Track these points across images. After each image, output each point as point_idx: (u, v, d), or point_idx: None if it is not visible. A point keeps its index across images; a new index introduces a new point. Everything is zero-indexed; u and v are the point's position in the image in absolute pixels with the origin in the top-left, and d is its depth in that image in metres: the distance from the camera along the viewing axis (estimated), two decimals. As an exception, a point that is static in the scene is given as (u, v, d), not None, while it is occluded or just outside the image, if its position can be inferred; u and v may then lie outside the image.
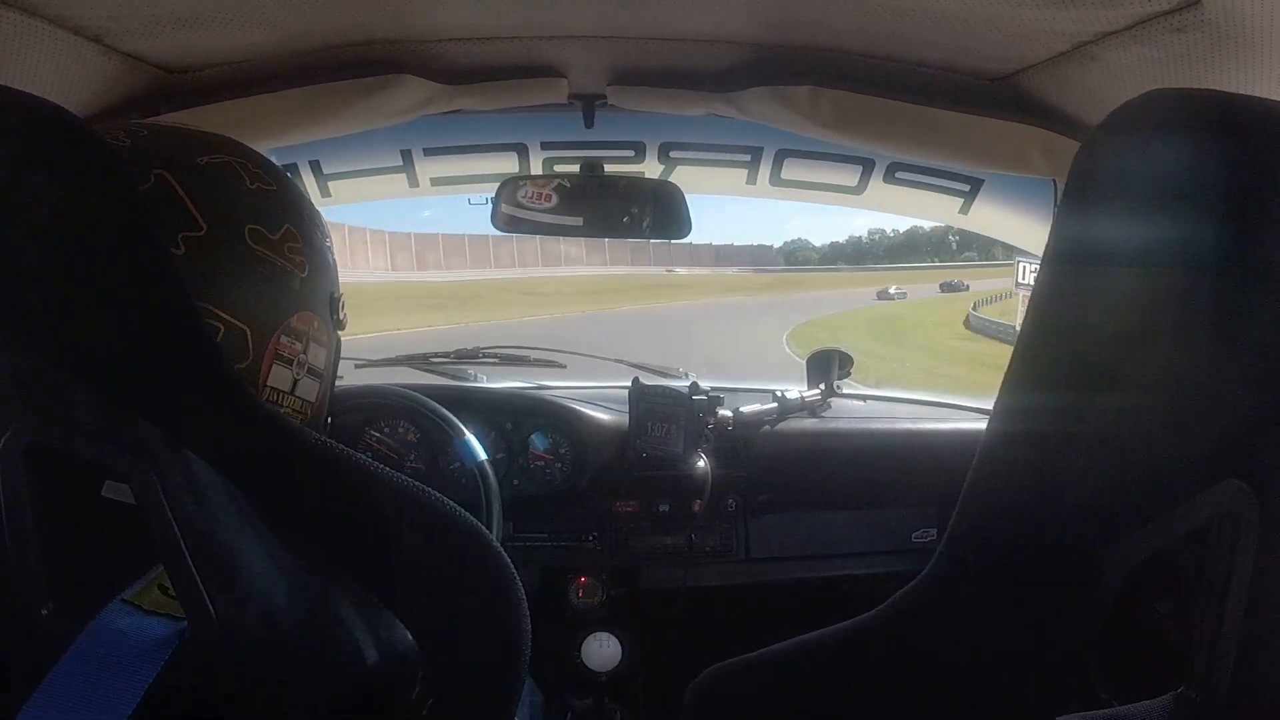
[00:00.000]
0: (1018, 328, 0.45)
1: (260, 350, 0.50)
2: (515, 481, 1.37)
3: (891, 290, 39.23)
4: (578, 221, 1.22)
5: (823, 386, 1.44)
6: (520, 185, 1.22)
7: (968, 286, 40.23)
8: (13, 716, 0.42)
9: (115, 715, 0.42)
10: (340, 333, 0.59)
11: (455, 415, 1.18)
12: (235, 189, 0.50)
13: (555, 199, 1.21)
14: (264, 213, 0.51)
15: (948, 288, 41.86)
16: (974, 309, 26.91)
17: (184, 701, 0.47)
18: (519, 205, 1.22)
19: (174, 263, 0.46)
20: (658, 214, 1.22)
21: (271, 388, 0.52)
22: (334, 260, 0.58)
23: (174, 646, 0.45)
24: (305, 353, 0.54)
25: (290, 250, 0.52)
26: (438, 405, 1.19)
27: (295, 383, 0.53)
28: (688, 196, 1.23)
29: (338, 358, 0.59)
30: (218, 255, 0.48)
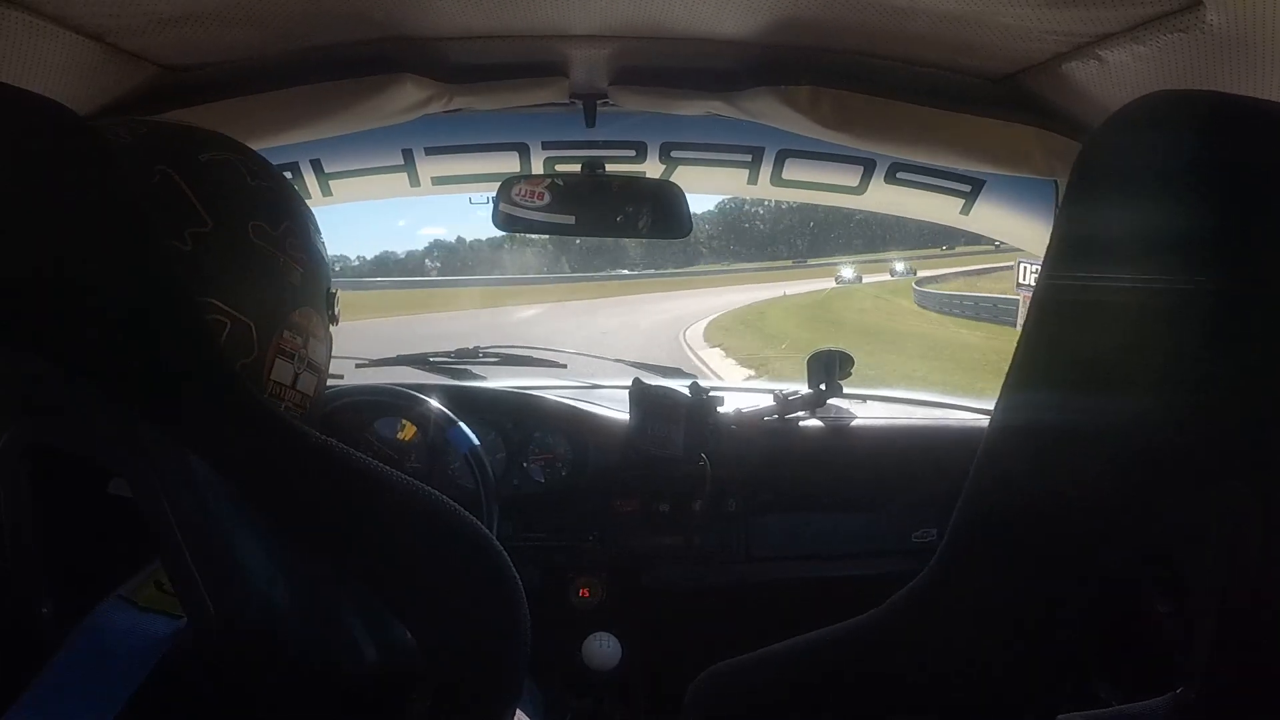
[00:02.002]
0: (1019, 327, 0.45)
1: (265, 345, 0.51)
2: (515, 481, 1.38)
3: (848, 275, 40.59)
4: (570, 220, 1.22)
5: (823, 386, 1.44)
6: (515, 184, 1.22)
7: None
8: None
9: (105, 712, 0.42)
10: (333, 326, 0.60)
11: (456, 414, 1.18)
12: (238, 185, 0.51)
13: (548, 197, 1.22)
14: (266, 209, 0.51)
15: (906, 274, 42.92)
16: (917, 284, 27.11)
17: (182, 700, 0.47)
18: (514, 204, 1.22)
19: (180, 258, 0.46)
20: (657, 214, 1.22)
21: (275, 382, 0.52)
22: (327, 256, 0.58)
23: (170, 644, 0.45)
24: (305, 347, 0.55)
25: (291, 246, 0.53)
26: (428, 399, 1.19)
27: (296, 377, 0.54)
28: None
29: (330, 352, 0.60)
30: (224, 251, 0.48)
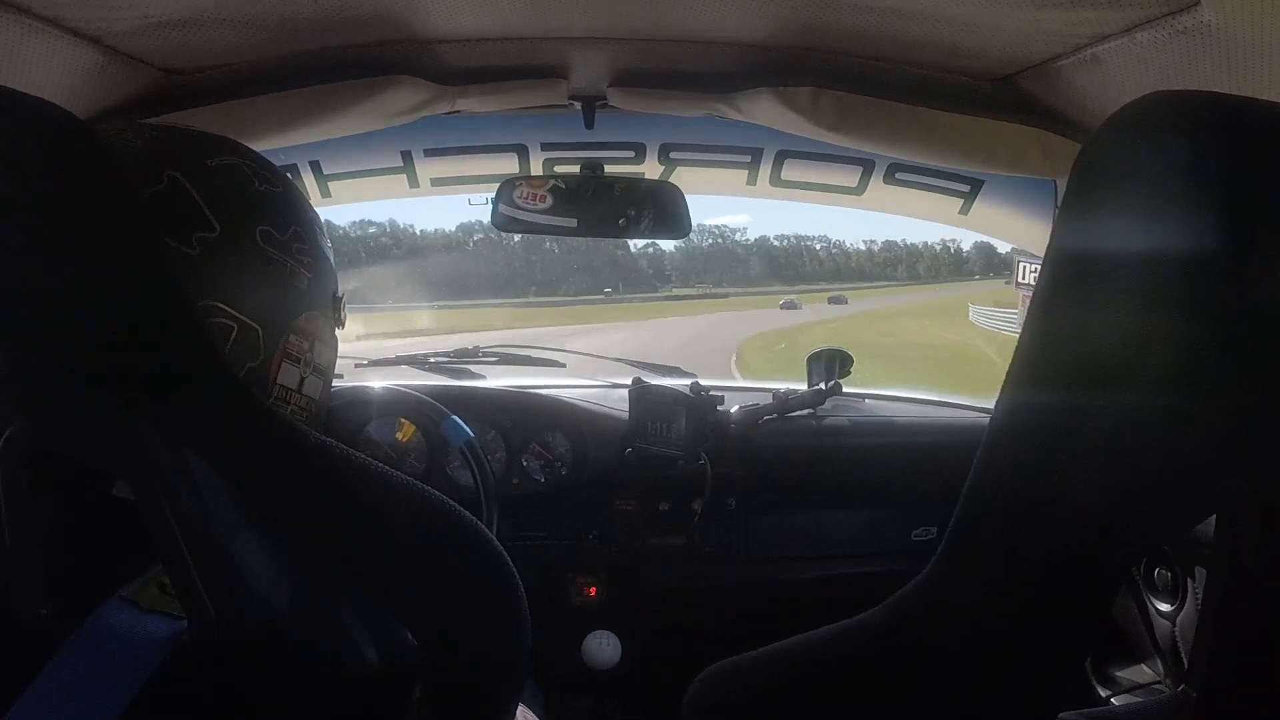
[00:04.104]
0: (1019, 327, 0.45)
1: (271, 349, 0.51)
2: (515, 481, 1.37)
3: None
4: (572, 223, 1.22)
5: (822, 385, 1.44)
6: (516, 186, 1.22)
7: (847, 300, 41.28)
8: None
9: (106, 713, 0.42)
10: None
11: (456, 414, 1.18)
12: (245, 190, 0.51)
13: (550, 200, 1.22)
14: (273, 214, 0.52)
15: (836, 300, 42.87)
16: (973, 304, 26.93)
17: (182, 701, 0.47)
18: (515, 206, 1.22)
19: (188, 262, 0.46)
20: (657, 215, 1.22)
21: (281, 385, 0.53)
22: (333, 261, 0.58)
23: (171, 646, 0.45)
24: (311, 351, 0.55)
25: (298, 251, 0.53)
26: (421, 395, 1.19)
27: (302, 381, 0.54)
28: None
29: (336, 356, 0.60)
30: (231, 255, 0.49)
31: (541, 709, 1.27)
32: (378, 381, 1.36)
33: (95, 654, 0.44)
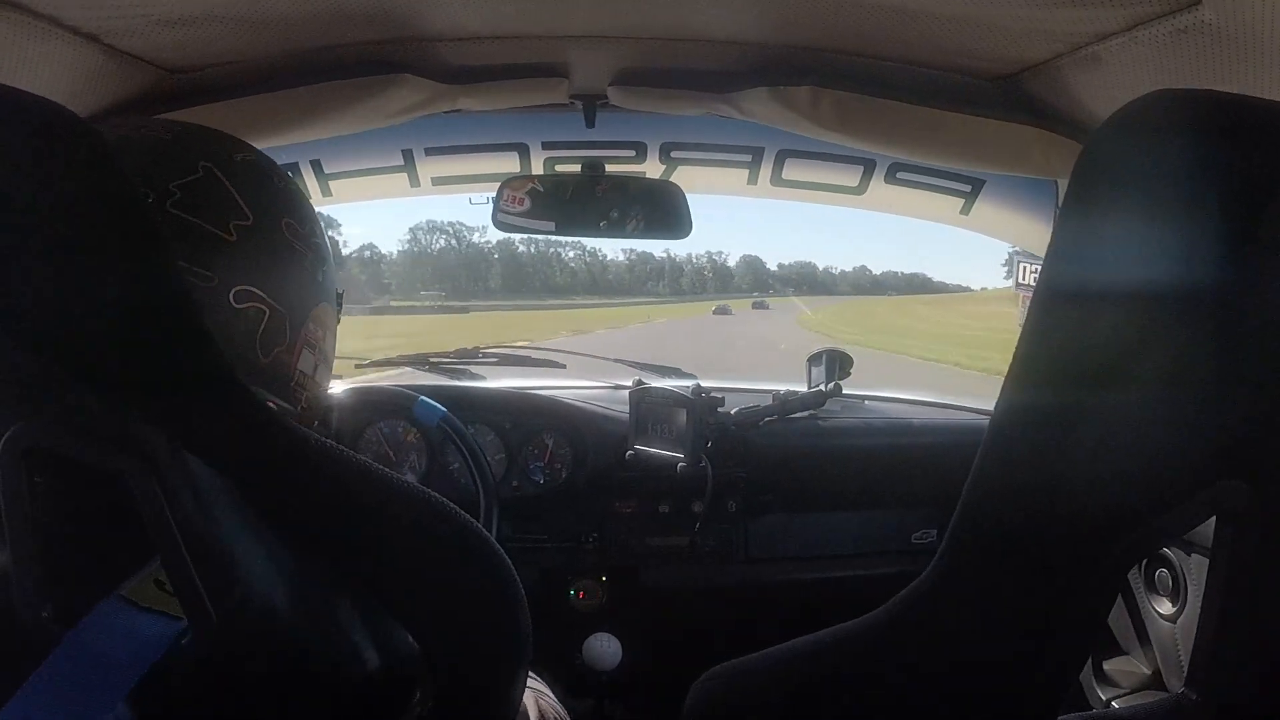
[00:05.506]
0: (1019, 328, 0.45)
1: (296, 335, 0.54)
2: (515, 482, 1.37)
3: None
4: (550, 225, 1.23)
5: (823, 386, 1.44)
6: (503, 188, 1.23)
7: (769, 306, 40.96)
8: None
9: (100, 712, 0.42)
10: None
11: (456, 414, 1.17)
12: (269, 184, 0.54)
13: (528, 203, 1.22)
14: (293, 208, 0.55)
15: (759, 305, 42.77)
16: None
17: (179, 702, 0.47)
18: (502, 209, 1.23)
19: (227, 248, 0.49)
20: (649, 214, 1.22)
21: (300, 371, 0.55)
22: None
23: (168, 645, 0.45)
24: (324, 341, 0.57)
25: (314, 246, 0.56)
26: (388, 386, 1.17)
27: (316, 368, 0.57)
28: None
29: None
30: (264, 243, 0.51)
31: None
32: (380, 382, 1.36)
33: (90, 652, 0.44)
